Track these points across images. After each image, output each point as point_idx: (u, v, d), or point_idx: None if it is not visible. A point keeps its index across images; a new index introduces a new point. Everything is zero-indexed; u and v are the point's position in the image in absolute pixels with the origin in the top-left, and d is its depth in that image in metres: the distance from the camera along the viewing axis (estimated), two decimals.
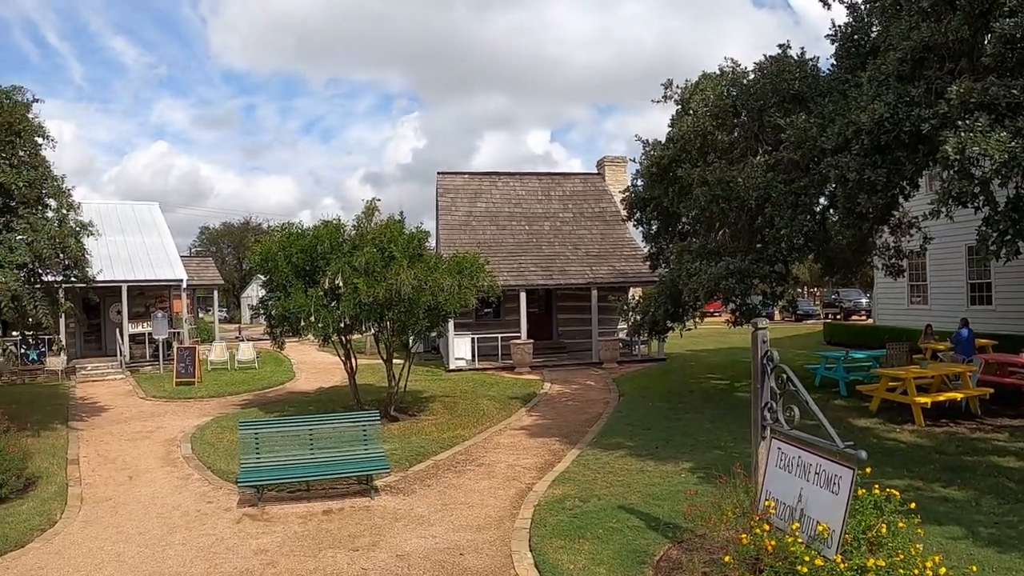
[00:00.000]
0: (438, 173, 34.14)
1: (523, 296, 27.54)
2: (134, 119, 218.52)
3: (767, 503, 7.08)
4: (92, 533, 10.58)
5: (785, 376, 7.27)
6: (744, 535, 6.70)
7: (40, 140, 16.96)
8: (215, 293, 43.99)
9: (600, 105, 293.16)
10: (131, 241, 33.67)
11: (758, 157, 17.07)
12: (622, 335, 29.61)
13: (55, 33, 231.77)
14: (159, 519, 11.10)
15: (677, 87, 19.05)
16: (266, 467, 11.92)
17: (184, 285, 33.14)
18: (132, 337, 31.43)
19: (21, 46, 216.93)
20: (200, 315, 52.12)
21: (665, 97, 19.31)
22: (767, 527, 6.62)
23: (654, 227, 22.53)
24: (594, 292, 28.14)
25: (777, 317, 45.76)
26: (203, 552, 9.61)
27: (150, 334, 31.11)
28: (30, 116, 16.65)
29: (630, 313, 21.96)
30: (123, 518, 11.24)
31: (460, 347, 27.69)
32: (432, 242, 20.75)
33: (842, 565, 6.02)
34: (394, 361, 18.95)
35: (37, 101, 17.12)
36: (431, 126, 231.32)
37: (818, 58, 16.87)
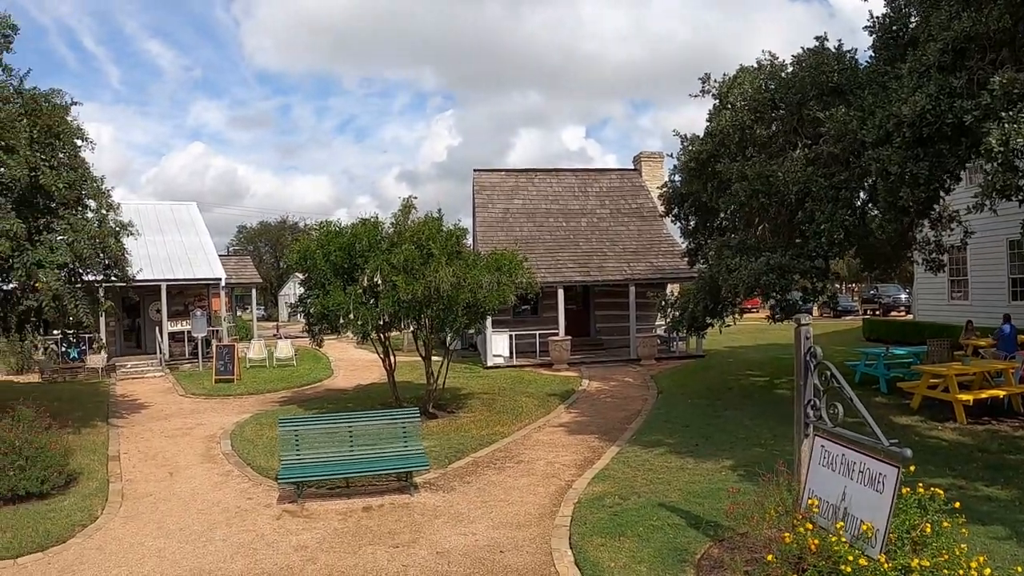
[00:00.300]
0: (474, 170, 34.18)
1: (561, 293, 27.47)
2: (171, 121, 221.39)
3: (810, 501, 7.00)
4: (133, 529, 10.72)
5: (828, 373, 7.20)
6: (787, 534, 6.64)
7: (79, 142, 17.18)
8: (253, 291, 44.36)
9: (635, 101, 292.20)
10: (170, 240, 34.09)
11: (797, 151, 16.87)
12: (660, 332, 29.47)
13: (91, 38, 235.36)
14: (199, 515, 11.22)
15: (715, 81, 18.90)
16: (306, 464, 11.99)
17: (223, 284, 33.51)
18: (171, 335, 31.83)
19: (59, 51, 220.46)
20: (238, 313, 52.61)
21: (703, 91, 19.17)
22: (810, 526, 6.56)
23: (692, 223, 22.37)
24: (632, 289, 28.02)
25: (816, 313, 45.35)
26: (243, 548, 9.69)
27: (189, 332, 31.48)
28: (69, 119, 16.86)
29: (669, 309, 21.84)
30: (164, 514, 11.37)
31: (498, 344, 27.69)
32: (469, 240, 20.77)
33: (886, 565, 5.95)
34: (432, 358, 19.00)
35: (76, 104, 17.33)
36: (465, 124, 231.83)
37: (856, 50, 16.68)
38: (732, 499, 8.36)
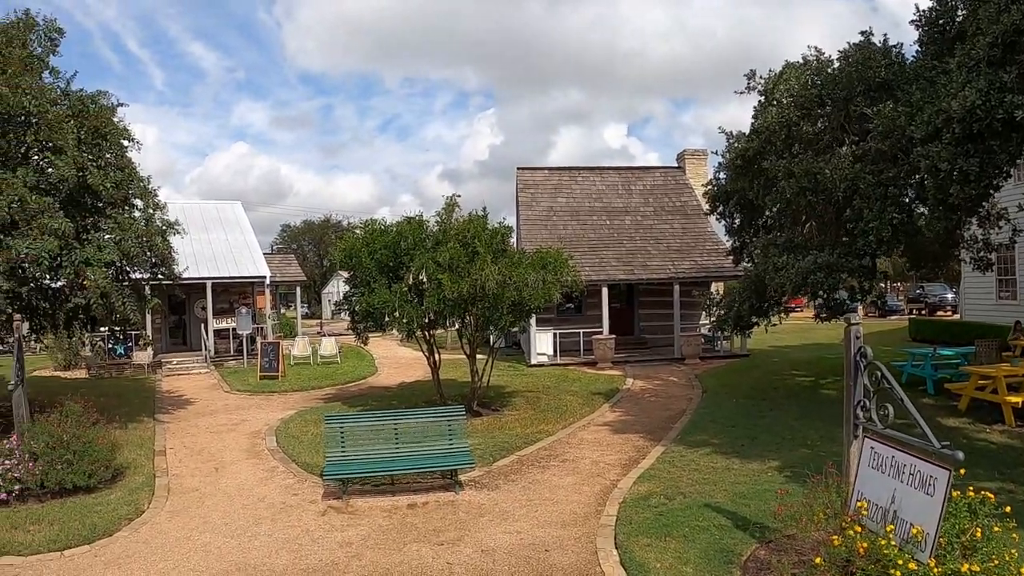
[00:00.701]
0: (518, 168, 34.20)
1: (605, 291, 27.40)
2: (214, 122, 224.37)
3: (859, 504, 6.94)
4: (179, 523, 10.88)
5: (879, 373, 7.13)
6: (835, 536, 6.59)
7: (126, 142, 17.45)
8: (297, 289, 44.81)
9: (676, 99, 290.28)
10: (215, 239, 34.55)
11: (844, 148, 16.69)
12: (704, 331, 29.31)
13: (135, 41, 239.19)
14: (245, 510, 11.35)
15: (760, 77, 18.74)
16: (351, 460, 12.09)
17: (267, 281, 33.92)
18: (216, 332, 32.25)
19: (103, 54, 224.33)
20: (282, 311, 53.20)
21: (748, 88, 19.01)
22: (859, 528, 6.51)
23: (737, 220, 22.20)
24: (676, 287, 27.89)
25: (861, 313, 44.73)
26: (288, 543, 9.79)
27: (234, 329, 31.86)
28: (115, 120, 17.14)
29: (714, 308, 21.72)
30: (209, 509, 11.52)
31: (542, 342, 27.71)
32: (513, 238, 20.82)
33: (936, 570, 5.90)
34: (476, 356, 19.05)
35: (122, 105, 17.62)
36: (507, 122, 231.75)
37: (901, 44, 16.45)
38: (780, 500, 8.30)
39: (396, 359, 31.58)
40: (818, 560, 6.54)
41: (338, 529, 10.29)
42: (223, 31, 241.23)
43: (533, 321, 25.32)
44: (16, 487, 11.84)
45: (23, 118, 15.40)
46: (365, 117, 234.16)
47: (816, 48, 17.81)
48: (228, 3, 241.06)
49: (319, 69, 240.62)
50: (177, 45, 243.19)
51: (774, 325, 20.13)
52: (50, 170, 15.54)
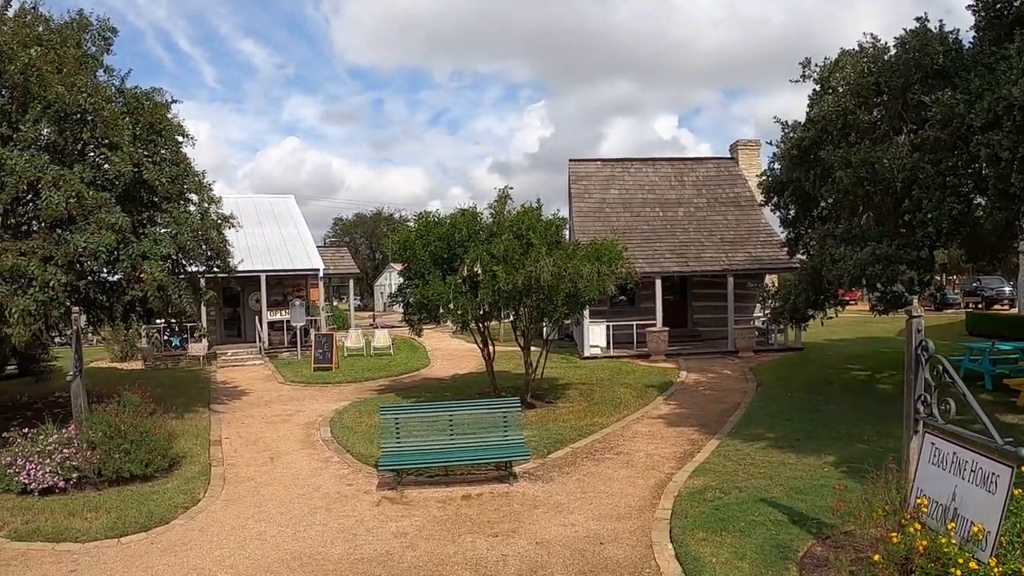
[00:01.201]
0: (570, 160, 34.16)
1: (659, 283, 27.29)
2: (266, 117, 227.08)
3: (919, 501, 6.88)
4: (234, 512, 11.09)
5: (941, 367, 7.04)
6: (895, 534, 6.54)
7: (180, 138, 17.73)
8: (350, 282, 45.08)
9: (727, 88, 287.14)
10: (268, 232, 34.95)
11: (902, 136, 16.41)
12: (757, 323, 29.07)
13: (187, 39, 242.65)
14: (300, 500, 11.52)
15: (816, 66, 18.48)
16: (406, 452, 12.21)
17: (320, 274, 34.23)
18: (270, 324, 32.64)
19: (155, 53, 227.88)
20: (335, 303, 53.69)
21: (804, 76, 18.77)
22: (919, 526, 6.45)
23: (792, 212, 21.94)
24: (730, 279, 27.65)
25: (917, 305, 43.94)
26: (343, 533, 9.93)
27: (288, 321, 32.22)
28: (169, 116, 17.42)
29: (769, 300, 21.52)
30: (264, 498, 11.72)
31: (595, 334, 27.64)
32: (565, 230, 20.79)
33: (997, 569, 5.83)
34: (531, 348, 19.09)
35: (175, 102, 17.90)
36: (557, 114, 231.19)
37: (958, 30, 16.10)
38: (839, 496, 8.21)
39: (449, 351, 31.74)
40: (877, 557, 6.49)
41: (392, 519, 10.40)
42: (272, 28, 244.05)
43: (586, 313, 25.29)
44: (74, 475, 12.17)
45: (79, 115, 15.69)
46: (415, 111, 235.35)
47: (872, 35, 17.54)
48: (277, 0, 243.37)
49: (368, 64, 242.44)
50: (228, 43, 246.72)
51: (830, 318, 19.88)
52: (106, 166, 15.85)
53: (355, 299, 47.56)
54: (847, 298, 21.45)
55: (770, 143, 21.13)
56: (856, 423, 14.91)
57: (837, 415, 15.81)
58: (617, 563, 8.49)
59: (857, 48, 17.60)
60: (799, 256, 22.72)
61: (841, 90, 17.16)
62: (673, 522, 9.60)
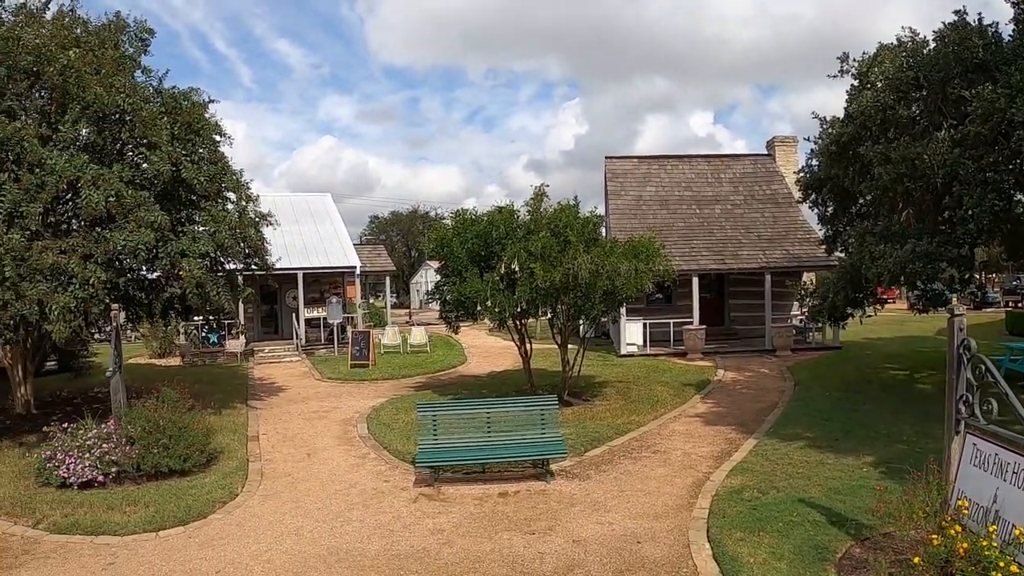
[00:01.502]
0: (606, 158, 34.12)
1: (695, 281, 27.15)
2: (301, 116, 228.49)
3: (960, 503, 6.83)
4: (272, 507, 11.21)
5: (983, 367, 6.98)
6: (935, 536, 6.50)
7: (218, 137, 17.90)
8: (387, 279, 45.31)
9: (762, 84, 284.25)
10: (305, 230, 35.22)
11: (942, 132, 16.23)
12: (795, 322, 28.85)
13: (223, 40, 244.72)
14: (337, 496, 11.62)
15: (854, 60, 18.33)
16: (443, 448, 12.25)
17: (357, 271, 34.45)
18: (307, 321, 32.93)
19: (192, 54, 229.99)
20: (371, 300, 53.98)
21: (842, 71, 18.62)
22: (959, 528, 6.41)
23: (830, 209, 21.77)
24: (767, 277, 27.45)
25: (956, 304, 43.34)
26: (380, 529, 10.00)
27: (324, 319, 32.47)
28: (207, 116, 17.61)
29: (808, 299, 21.37)
30: (302, 493, 11.83)
31: (632, 332, 27.57)
32: (602, 227, 20.76)
33: None
34: (568, 346, 19.10)
35: (213, 102, 18.11)
36: (592, 112, 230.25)
37: (997, 24, 15.89)
38: (878, 497, 8.16)
39: (485, 348, 31.83)
40: (916, 560, 6.46)
41: (429, 516, 10.47)
42: (308, 28, 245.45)
43: (623, 311, 25.25)
44: (113, 469, 12.35)
45: (118, 116, 15.91)
46: (451, 109, 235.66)
47: (910, 29, 17.36)
48: (312, 1, 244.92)
49: (403, 63, 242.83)
50: (263, 43, 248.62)
51: (869, 316, 19.70)
52: (145, 165, 16.06)
53: (391, 296, 47.74)
54: (885, 296, 21.21)
55: (807, 139, 20.96)
56: (895, 423, 14.76)
57: (876, 415, 15.68)
58: (654, 562, 8.49)
59: (895, 42, 17.44)
60: (837, 254, 22.55)
61: (880, 85, 17.03)
62: (710, 521, 9.57)
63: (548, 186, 18.62)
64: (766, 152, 35.14)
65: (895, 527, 7.44)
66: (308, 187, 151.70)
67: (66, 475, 12.09)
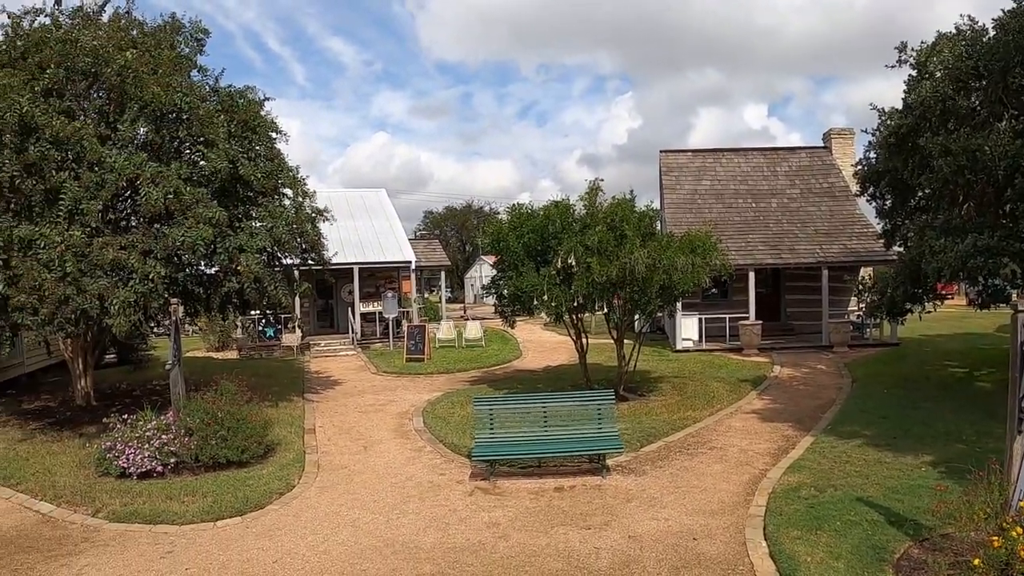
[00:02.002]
0: (661, 151, 33.96)
1: (752, 276, 26.95)
2: (355, 113, 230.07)
3: (1022, 504, 6.77)
4: (328, 498, 11.42)
5: None
6: (996, 538, 6.45)
7: (274, 135, 18.16)
8: (442, 274, 45.58)
9: (816, 76, 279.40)
10: (361, 226, 35.54)
11: (1003, 123, 15.92)
12: (852, 318, 28.48)
13: (276, 39, 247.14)
14: (393, 488, 11.78)
15: (912, 50, 18.04)
16: (500, 442, 12.36)
17: (412, 266, 34.70)
18: (363, 316, 33.25)
19: (246, 54, 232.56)
20: (425, 295, 54.38)
21: (900, 61, 18.34)
22: (1020, 530, 6.35)
23: (888, 202, 21.46)
24: (824, 272, 27.12)
25: (1014, 298, 42.42)
26: (436, 522, 10.14)
27: (380, 313, 32.76)
28: (262, 113, 17.87)
29: (866, 294, 21.10)
30: (358, 486, 12.02)
31: (687, 327, 27.43)
32: (658, 222, 20.68)
33: None
34: (623, 341, 19.08)
35: (268, 99, 18.38)
36: (645, 105, 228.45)
37: None
38: (939, 497, 8.10)
39: (540, 343, 31.86)
40: (976, 562, 6.42)
41: (485, 510, 10.58)
42: (360, 25, 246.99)
43: (679, 306, 25.16)
44: (172, 460, 12.63)
45: (175, 114, 16.20)
46: (503, 104, 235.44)
47: (969, 17, 17.04)
48: None
49: (455, 59, 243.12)
50: (316, 41, 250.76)
51: (928, 312, 19.41)
52: (202, 163, 16.34)
53: (446, 291, 48.04)
54: (945, 292, 20.81)
55: (865, 131, 20.64)
56: (955, 422, 14.51)
57: (935, 413, 15.44)
58: (710, 559, 8.51)
59: (954, 31, 17.14)
60: (896, 248, 22.23)
61: (939, 75, 16.75)
62: (767, 519, 9.55)
63: (603, 180, 18.58)
64: (822, 145, 34.66)
65: (955, 528, 7.39)
66: (362, 183, 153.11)
67: (125, 465, 12.40)
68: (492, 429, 12.53)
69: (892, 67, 18.52)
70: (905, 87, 18.33)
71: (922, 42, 17.89)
